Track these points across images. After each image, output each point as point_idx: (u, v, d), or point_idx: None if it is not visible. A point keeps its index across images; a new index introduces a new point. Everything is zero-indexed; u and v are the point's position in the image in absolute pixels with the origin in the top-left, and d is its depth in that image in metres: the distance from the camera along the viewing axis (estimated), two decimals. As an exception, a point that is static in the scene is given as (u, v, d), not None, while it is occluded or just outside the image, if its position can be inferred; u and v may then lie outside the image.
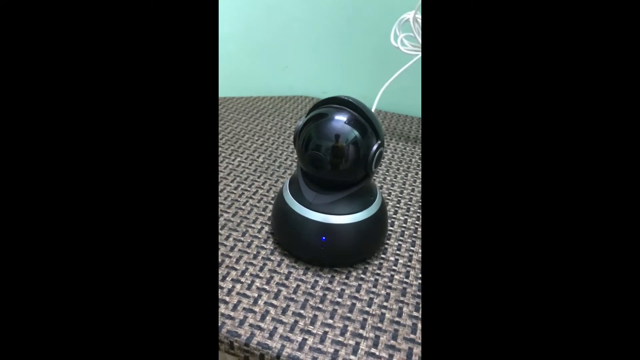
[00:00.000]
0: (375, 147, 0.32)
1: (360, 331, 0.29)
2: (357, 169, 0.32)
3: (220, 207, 0.41)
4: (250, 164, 0.49)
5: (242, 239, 0.37)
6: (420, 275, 0.35)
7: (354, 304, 0.31)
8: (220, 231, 0.38)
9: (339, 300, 0.32)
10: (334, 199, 0.33)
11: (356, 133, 0.31)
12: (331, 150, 0.31)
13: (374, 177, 0.49)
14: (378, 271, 0.35)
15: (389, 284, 0.33)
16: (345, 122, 0.31)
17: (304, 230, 0.33)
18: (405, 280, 0.34)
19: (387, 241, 0.38)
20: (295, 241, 0.34)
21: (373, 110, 0.57)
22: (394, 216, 0.42)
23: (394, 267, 0.35)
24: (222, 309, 0.30)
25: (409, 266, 0.35)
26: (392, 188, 0.47)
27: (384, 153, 0.55)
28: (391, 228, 0.40)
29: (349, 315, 0.30)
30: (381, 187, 0.47)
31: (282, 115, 0.64)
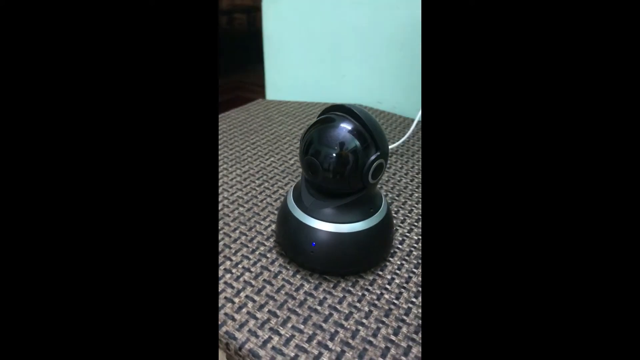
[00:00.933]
0: (372, 158, 0.31)
1: (328, 342, 0.29)
2: (352, 178, 0.31)
3: (239, 201, 0.44)
4: (280, 165, 0.51)
5: (247, 232, 0.39)
6: (412, 300, 0.33)
7: (330, 314, 0.31)
8: (230, 223, 0.40)
9: (318, 307, 0.31)
10: (329, 206, 0.33)
11: (355, 142, 0.31)
12: (326, 157, 0.31)
13: (392, 194, 0.47)
14: (368, 287, 0.33)
15: (375, 301, 0.32)
16: (344, 131, 0.31)
17: (297, 233, 0.33)
18: (394, 300, 0.32)
19: (390, 258, 0.37)
20: (289, 243, 0.35)
21: (416, 120, 0.55)
22: (407, 234, 0.40)
23: (386, 286, 0.34)
24: (206, 294, 0.32)
25: (403, 287, 0.34)
26: (416, 205, 0.45)
27: (412, 167, 0.52)
28: (399, 246, 0.38)
29: (322, 324, 0.30)
30: (404, 203, 0.45)
31: (329, 122, 0.65)
